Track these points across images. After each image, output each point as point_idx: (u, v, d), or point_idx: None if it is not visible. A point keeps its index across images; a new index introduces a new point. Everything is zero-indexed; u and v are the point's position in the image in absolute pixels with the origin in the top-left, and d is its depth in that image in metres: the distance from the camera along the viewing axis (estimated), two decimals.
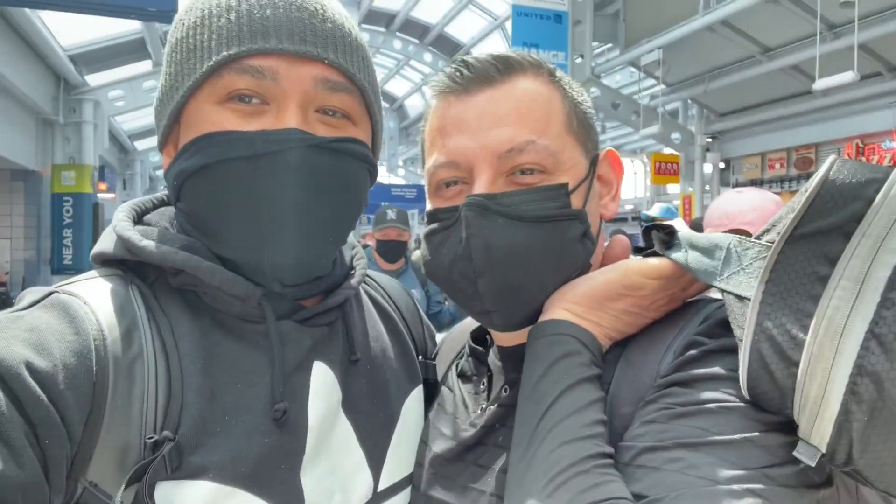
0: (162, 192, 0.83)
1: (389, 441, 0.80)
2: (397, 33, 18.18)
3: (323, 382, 0.75)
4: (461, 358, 0.90)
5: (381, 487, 0.78)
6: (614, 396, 0.66)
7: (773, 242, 0.57)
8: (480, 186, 0.70)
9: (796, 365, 0.54)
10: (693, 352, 0.62)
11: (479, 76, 0.73)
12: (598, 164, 0.77)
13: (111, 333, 0.64)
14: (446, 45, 18.41)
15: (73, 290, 0.67)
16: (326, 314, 0.77)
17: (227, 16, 0.67)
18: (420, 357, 0.93)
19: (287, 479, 0.69)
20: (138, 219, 0.77)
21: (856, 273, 0.52)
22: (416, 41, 18.43)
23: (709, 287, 0.68)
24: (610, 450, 0.60)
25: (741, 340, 0.58)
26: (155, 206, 0.81)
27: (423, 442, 0.85)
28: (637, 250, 0.76)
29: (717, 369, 0.60)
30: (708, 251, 0.65)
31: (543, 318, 0.71)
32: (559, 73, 0.77)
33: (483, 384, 0.81)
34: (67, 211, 8.98)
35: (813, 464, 0.54)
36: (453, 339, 0.96)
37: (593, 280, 0.71)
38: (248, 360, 0.70)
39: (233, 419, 0.67)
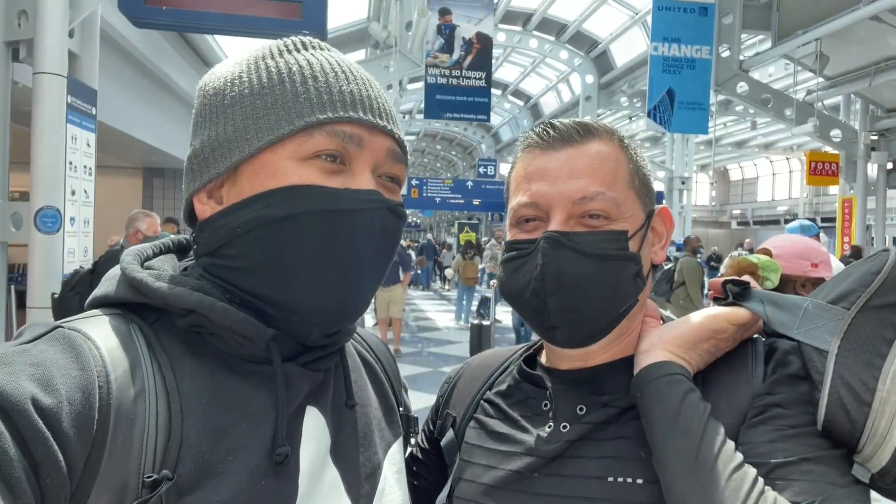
0: (163, 239, 0.87)
1: (375, 491, 0.81)
2: (534, 32, 18.19)
3: (314, 427, 0.76)
4: (489, 389, 1.00)
5: None
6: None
7: (846, 308, 0.76)
8: (556, 224, 0.84)
9: (868, 405, 0.71)
10: (777, 376, 0.79)
11: (562, 136, 0.87)
12: (653, 217, 0.91)
13: (115, 370, 0.64)
14: (583, 42, 18.17)
15: (76, 326, 0.67)
16: (327, 359, 0.80)
17: (313, 83, 0.74)
18: (401, 409, 0.96)
19: None
20: (141, 264, 0.78)
21: None
22: (553, 39, 18.35)
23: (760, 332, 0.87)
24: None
25: (820, 383, 0.74)
26: (156, 254, 0.83)
27: (470, 462, 0.92)
28: (716, 300, 0.90)
29: (802, 391, 0.77)
30: (787, 308, 0.82)
31: (649, 360, 0.82)
32: (627, 140, 0.91)
33: (545, 405, 0.90)
34: None
35: (866, 481, 0.72)
36: (470, 378, 1.05)
37: (685, 325, 0.85)
38: (253, 400, 0.71)
39: (235, 459, 0.67)
